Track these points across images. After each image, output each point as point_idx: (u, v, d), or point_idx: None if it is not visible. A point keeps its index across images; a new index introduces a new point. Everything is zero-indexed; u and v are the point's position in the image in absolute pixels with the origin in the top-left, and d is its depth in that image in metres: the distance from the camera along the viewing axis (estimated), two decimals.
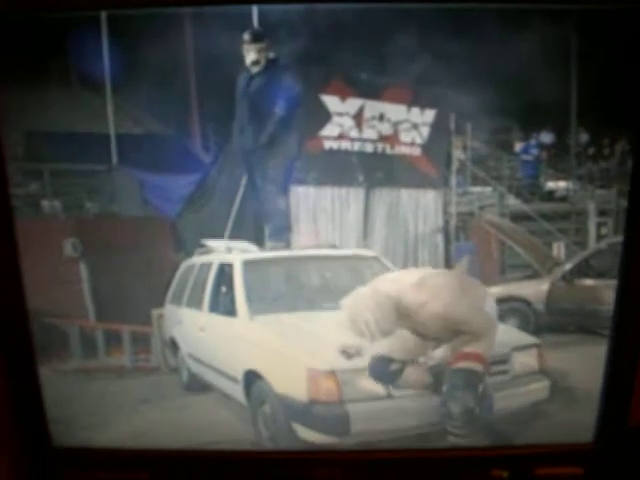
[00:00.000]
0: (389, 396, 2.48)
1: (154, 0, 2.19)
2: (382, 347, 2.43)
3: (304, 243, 3.03)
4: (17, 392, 2.21)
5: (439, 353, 2.49)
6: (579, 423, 2.32)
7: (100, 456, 2.31)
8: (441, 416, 2.41)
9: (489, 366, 2.46)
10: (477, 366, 2.43)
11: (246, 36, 2.73)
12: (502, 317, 2.94)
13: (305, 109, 2.90)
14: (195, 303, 2.94)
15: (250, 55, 2.80)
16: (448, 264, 3.19)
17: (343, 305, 2.41)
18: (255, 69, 2.82)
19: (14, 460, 2.24)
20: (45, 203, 2.73)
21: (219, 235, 2.87)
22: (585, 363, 2.77)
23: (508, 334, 2.79)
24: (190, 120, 2.98)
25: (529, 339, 2.74)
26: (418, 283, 2.47)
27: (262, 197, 2.97)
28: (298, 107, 2.88)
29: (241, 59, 2.79)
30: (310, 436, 2.44)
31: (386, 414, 2.47)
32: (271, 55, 2.81)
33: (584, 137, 3.11)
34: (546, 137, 3.15)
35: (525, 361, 2.68)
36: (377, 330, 2.39)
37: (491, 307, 2.59)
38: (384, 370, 2.45)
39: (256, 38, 2.74)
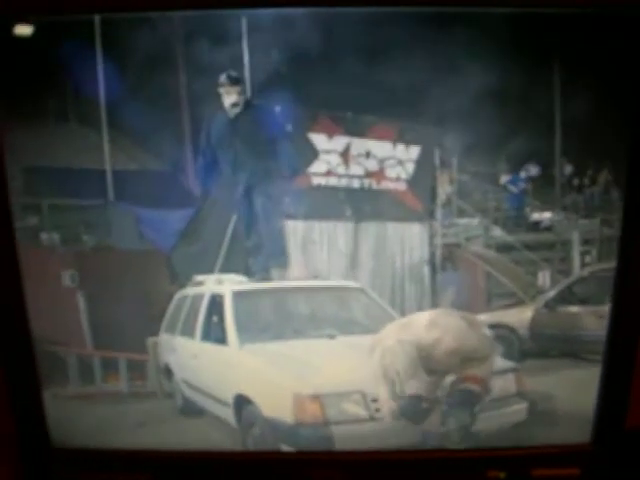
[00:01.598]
0: (372, 418, 2.55)
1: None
2: (410, 388, 2.50)
3: (293, 275, 3.12)
4: (16, 393, 2.27)
5: (447, 382, 2.57)
6: (576, 424, 2.34)
7: (101, 457, 2.37)
8: (439, 436, 2.49)
9: (488, 388, 2.55)
10: (477, 388, 2.53)
11: (223, 79, 2.81)
12: None
13: (293, 147, 2.98)
14: (188, 332, 3.02)
15: (230, 97, 2.87)
16: (435, 295, 3.26)
17: (373, 360, 2.51)
18: (234, 110, 2.90)
19: (14, 461, 2.29)
20: (44, 236, 2.81)
21: (211, 267, 2.96)
22: (567, 386, 2.85)
23: None
24: (183, 156, 3.08)
25: (507, 364, 2.79)
26: (430, 324, 2.56)
27: (261, 228, 3.05)
28: (286, 144, 2.96)
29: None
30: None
31: (369, 435, 2.54)
32: (248, 96, 2.89)
33: (568, 168, 3.18)
34: (531, 169, 3.22)
35: (503, 385, 2.75)
36: (406, 377, 2.48)
37: (489, 332, 2.74)
38: (416, 409, 2.52)
39: (235, 80, 2.82)
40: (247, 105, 2.91)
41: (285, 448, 2.52)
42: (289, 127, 2.92)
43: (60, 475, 2.34)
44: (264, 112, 2.92)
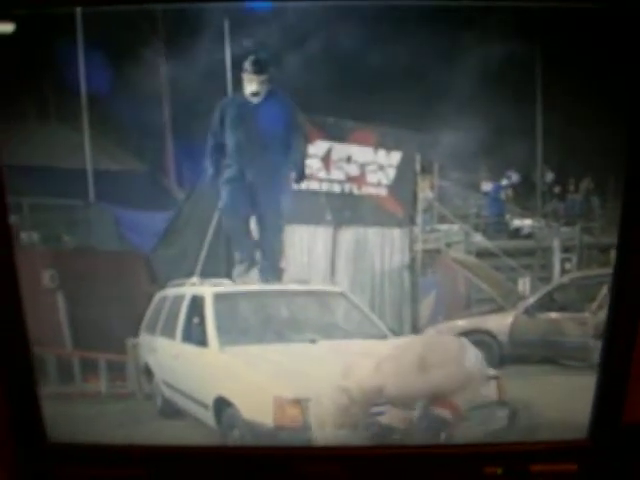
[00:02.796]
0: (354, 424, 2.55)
1: None
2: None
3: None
4: (11, 387, 2.31)
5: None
6: (574, 419, 2.35)
7: (96, 452, 2.39)
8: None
9: (462, 416, 2.55)
10: (448, 415, 2.54)
11: (247, 65, 2.76)
12: None
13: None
14: (168, 333, 3.03)
15: (252, 86, 2.82)
16: (415, 301, 3.25)
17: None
18: (254, 99, 2.85)
19: (10, 457, 2.32)
20: (24, 235, 2.80)
21: (191, 269, 2.97)
22: (547, 392, 2.86)
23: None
24: (165, 157, 3.08)
25: (489, 372, 2.78)
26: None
27: (267, 228, 3.04)
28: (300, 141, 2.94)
29: (217, 95, 2.81)
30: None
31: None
32: (270, 86, 2.83)
33: (549, 176, 3.19)
34: (512, 176, 3.23)
35: (484, 393, 2.76)
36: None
37: (471, 358, 2.71)
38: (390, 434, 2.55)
39: (259, 69, 2.77)
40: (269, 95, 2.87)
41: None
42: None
43: (56, 470, 2.35)
44: (278, 103, 2.86)
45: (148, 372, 3.07)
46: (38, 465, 2.37)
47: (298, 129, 2.89)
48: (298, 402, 2.53)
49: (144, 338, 2.99)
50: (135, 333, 2.91)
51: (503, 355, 3.12)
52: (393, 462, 2.36)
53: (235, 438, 2.60)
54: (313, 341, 2.85)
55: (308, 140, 2.96)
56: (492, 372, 2.78)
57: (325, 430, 2.52)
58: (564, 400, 2.53)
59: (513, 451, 2.35)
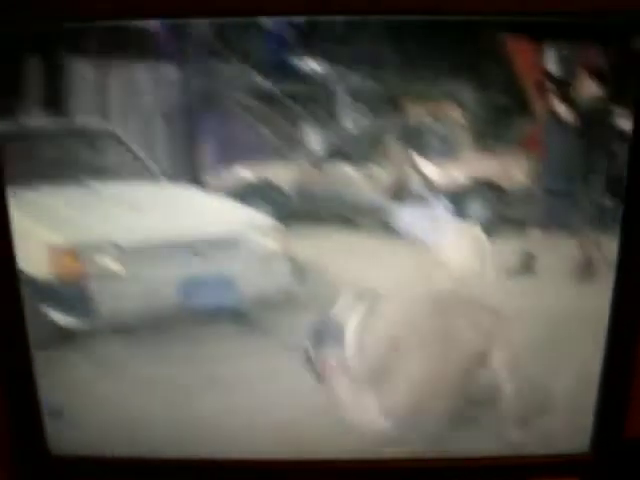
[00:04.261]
0: (129, 275, 2.58)
1: None
2: None
3: None
4: (13, 398, 2.18)
5: None
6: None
7: (98, 464, 2.30)
8: None
9: None
10: None
11: None
12: (252, 200, 2.91)
13: None
14: None
15: None
16: (194, 141, 2.95)
17: None
18: None
19: (10, 469, 2.23)
20: None
21: None
22: (341, 253, 2.82)
23: (241, 213, 2.84)
24: None
25: (265, 219, 2.74)
26: None
27: None
28: None
29: None
30: (60, 319, 2.46)
31: (128, 294, 2.57)
32: None
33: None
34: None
35: (263, 241, 2.66)
36: None
37: None
38: None
39: None
40: None
41: (48, 311, 2.43)
42: None
43: None
44: None
45: None
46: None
47: None
48: (73, 250, 2.48)
49: None
50: None
51: (291, 210, 3.01)
52: (387, 475, 2.30)
53: None
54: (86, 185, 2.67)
55: None
56: (269, 221, 2.74)
57: None
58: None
59: (512, 464, 2.28)
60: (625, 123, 2.59)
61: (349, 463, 2.33)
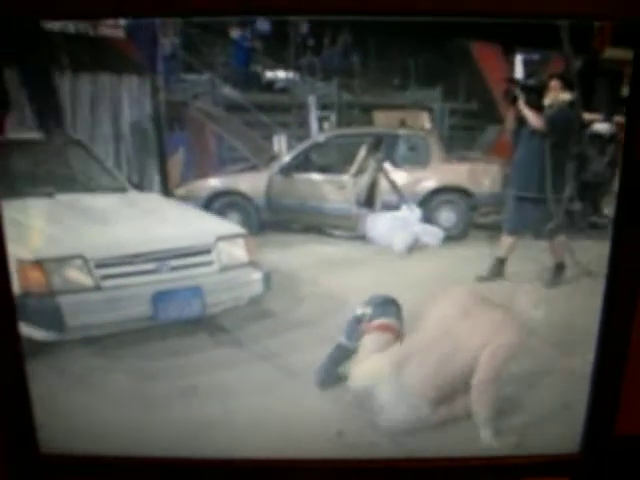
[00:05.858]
0: (97, 288, 2.53)
1: None
2: None
3: None
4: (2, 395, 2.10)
5: None
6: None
7: (89, 463, 2.21)
8: None
9: None
10: None
11: None
12: (222, 211, 2.91)
13: None
14: None
15: None
16: (162, 155, 2.95)
17: None
18: None
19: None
20: None
21: None
22: (311, 262, 2.80)
23: (211, 223, 2.82)
24: None
25: (234, 228, 2.75)
26: None
27: None
28: None
29: None
30: (31, 333, 2.37)
31: (96, 306, 2.52)
32: None
33: (305, 27, 3.01)
34: (262, 25, 2.98)
35: (232, 251, 2.64)
36: None
37: None
38: None
39: None
40: None
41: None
42: None
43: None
44: None
45: None
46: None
47: None
48: (39, 264, 2.43)
49: None
50: None
51: (261, 220, 3.01)
52: (381, 475, 2.23)
53: None
54: (51, 195, 2.68)
55: None
56: (237, 230, 2.75)
57: None
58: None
59: (503, 464, 2.24)
60: (593, 128, 2.62)
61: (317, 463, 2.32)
